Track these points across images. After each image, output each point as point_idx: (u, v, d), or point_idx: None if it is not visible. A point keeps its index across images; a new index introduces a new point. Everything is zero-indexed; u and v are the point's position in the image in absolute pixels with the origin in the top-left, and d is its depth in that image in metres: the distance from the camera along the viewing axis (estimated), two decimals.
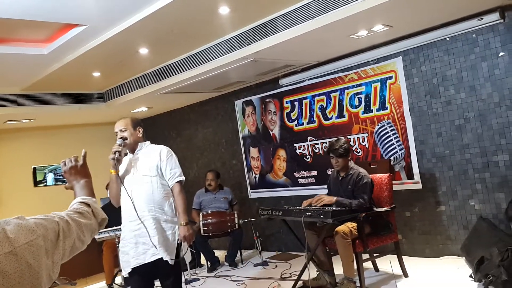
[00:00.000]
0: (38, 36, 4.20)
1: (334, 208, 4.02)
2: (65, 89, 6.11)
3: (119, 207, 3.44)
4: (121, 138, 3.36)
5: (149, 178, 3.33)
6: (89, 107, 6.48)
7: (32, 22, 3.64)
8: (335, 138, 4.54)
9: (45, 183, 1.81)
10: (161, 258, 3.22)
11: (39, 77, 5.15)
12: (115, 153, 3.27)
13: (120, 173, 3.35)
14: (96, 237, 5.43)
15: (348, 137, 5.31)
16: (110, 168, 3.32)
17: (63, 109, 6.23)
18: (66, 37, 4.11)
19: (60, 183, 1.80)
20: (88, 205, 1.60)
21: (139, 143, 3.44)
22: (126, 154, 3.44)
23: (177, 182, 3.39)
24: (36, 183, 1.82)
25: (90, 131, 7.78)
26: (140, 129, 3.47)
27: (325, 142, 5.56)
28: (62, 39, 4.17)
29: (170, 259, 3.25)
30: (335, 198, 4.21)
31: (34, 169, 1.81)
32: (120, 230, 5.09)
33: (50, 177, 1.80)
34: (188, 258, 5.93)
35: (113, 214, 5.42)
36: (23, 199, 6.71)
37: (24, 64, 4.62)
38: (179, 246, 3.36)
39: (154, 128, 8.13)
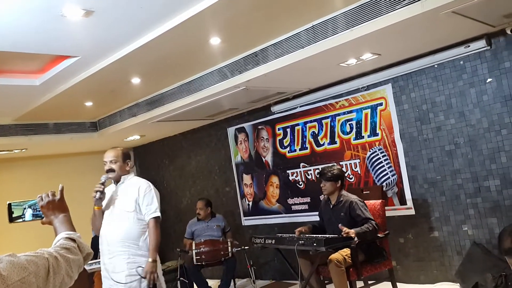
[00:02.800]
0: (31, 68, 4.23)
1: (326, 236, 4.01)
2: (57, 119, 6.11)
3: None
4: (108, 170, 3.38)
5: (127, 214, 3.34)
6: (81, 136, 6.48)
7: (24, 54, 3.66)
8: (330, 164, 4.58)
9: (23, 219, 1.79)
10: None
11: (31, 107, 5.16)
12: (96, 192, 3.30)
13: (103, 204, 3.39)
14: (87, 268, 5.35)
15: (341, 163, 5.33)
16: (94, 205, 3.37)
17: (55, 139, 6.22)
18: (59, 68, 4.13)
19: (39, 218, 1.77)
20: (73, 240, 1.59)
21: (122, 176, 3.44)
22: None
23: (152, 218, 3.36)
24: (12, 219, 1.79)
25: (83, 160, 7.75)
26: (129, 162, 3.49)
27: (318, 169, 5.56)
28: (54, 70, 4.19)
29: None
30: (354, 230, 3.98)
31: (9, 205, 1.78)
32: None
33: (28, 213, 1.78)
34: None
35: None
36: (12, 230, 6.62)
37: (16, 95, 4.63)
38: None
39: (146, 156, 8.12)
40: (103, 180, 3.35)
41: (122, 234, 3.28)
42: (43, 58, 4.00)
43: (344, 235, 3.93)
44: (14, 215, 1.78)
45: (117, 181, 3.42)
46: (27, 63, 4.09)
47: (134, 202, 3.35)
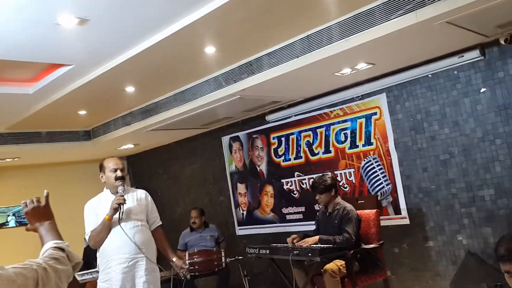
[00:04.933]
0: (24, 76, 4.20)
1: (322, 246, 3.99)
2: (50, 128, 6.07)
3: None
4: (121, 177, 3.43)
5: (139, 222, 3.43)
6: (75, 145, 6.44)
7: (18, 62, 3.64)
8: (320, 175, 4.57)
9: (7, 225, 1.74)
10: None
11: (24, 116, 5.12)
12: (119, 205, 3.31)
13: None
14: (79, 278, 5.30)
15: (335, 172, 5.32)
16: (106, 215, 3.34)
17: (48, 148, 6.18)
18: (52, 77, 4.11)
19: (24, 225, 1.73)
20: (62, 249, 1.56)
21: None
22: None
23: (159, 225, 3.62)
24: None
25: (76, 168, 7.71)
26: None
27: (312, 178, 5.54)
28: (48, 78, 4.17)
29: None
30: (318, 236, 4.19)
31: None
32: None
33: (12, 220, 1.73)
34: None
35: (95, 255, 5.31)
36: (4, 238, 6.55)
37: (9, 103, 4.60)
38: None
39: (140, 165, 8.07)
40: (122, 192, 3.37)
41: (140, 242, 3.35)
42: (37, 67, 3.98)
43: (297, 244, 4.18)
44: None
45: (116, 190, 3.42)
46: (21, 71, 4.07)
47: (144, 211, 3.51)
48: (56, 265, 1.45)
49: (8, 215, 1.72)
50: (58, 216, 6.14)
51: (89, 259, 5.79)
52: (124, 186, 3.42)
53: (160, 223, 3.64)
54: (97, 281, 3.47)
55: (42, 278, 1.36)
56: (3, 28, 2.99)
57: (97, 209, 3.40)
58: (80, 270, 5.37)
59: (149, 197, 3.62)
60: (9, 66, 3.79)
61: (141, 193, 3.59)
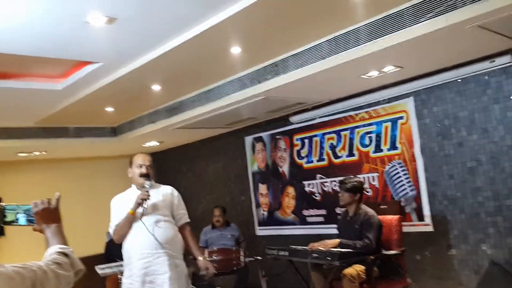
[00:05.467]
0: (53, 72, 4.28)
1: (341, 250, 3.95)
2: (77, 123, 6.18)
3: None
4: (146, 174, 3.44)
5: (163, 217, 3.41)
6: (101, 141, 6.54)
7: (47, 58, 3.71)
8: (351, 176, 4.55)
9: (16, 223, 1.75)
10: None
11: (53, 111, 5.23)
12: (143, 200, 3.32)
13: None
14: (99, 271, 5.37)
15: (358, 176, 5.24)
16: (130, 209, 3.36)
17: (75, 143, 6.30)
18: (81, 74, 4.17)
19: (33, 224, 1.72)
20: (66, 255, 1.56)
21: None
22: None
23: (187, 222, 3.57)
24: (5, 223, 1.74)
25: (101, 164, 7.84)
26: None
27: (335, 181, 5.51)
28: (76, 75, 4.24)
29: None
30: (339, 240, 4.15)
31: (3, 208, 1.71)
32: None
33: (22, 218, 1.73)
34: None
35: (117, 249, 5.37)
36: (28, 231, 6.69)
37: (38, 98, 4.69)
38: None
39: (164, 163, 8.15)
40: (148, 187, 3.38)
41: (161, 237, 3.32)
42: (66, 63, 4.05)
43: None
44: (7, 219, 1.73)
45: (142, 186, 3.44)
46: (50, 68, 4.15)
47: (170, 207, 3.49)
48: (58, 270, 1.46)
49: (18, 213, 1.72)
50: (82, 209, 6.35)
51: (111, 253, 5.88)
52: (150, 181, 3.42)
53: (187, 220, 3.58)
54: (122, 277, 3.50)
55: (40, 280, 1.37)
56: (34, 25, 3.05)
57: (123, 204, 3.43)
58: (102, 264, 5.47)
59: (176, 193, 3.58)
60: (39, 62, 3.87)
61: (167, 189, 3.57)
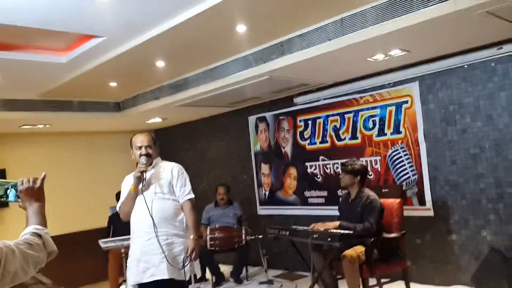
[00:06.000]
0: (58, 45, 4.25)
1: (342, 231, 3.97)
2: (81, 97, 6.17)
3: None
4: (145, 155, 3.38)
5: (162, 195, 3.37)
6: (104, 116, 6.54)
7: (52, 31, 3.68)
8: (355, 159, 4.56)
9: (5, 199, 1.77)
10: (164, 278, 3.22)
11: (57, 84, 5.21)
12: (141, 172, 3.30)
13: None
14: (102, 245, 5.44)
15: (361, 159, 5.25)
16: (131, 185, 3.36)
17: (79, 116, 6.29)
18: (85, 47, 4.14)
19: (20, 201, 1.75)
20: (40, 236, 1.59)
21: (153, 160, 3.48)
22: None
23: (187, 200, 3.44)
24: None
25: (104, 139, 7.85)
26: (157, 146, 3.53)
27: (337, 163, 5.52)
28: (81, 48, 4.21)
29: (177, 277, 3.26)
30: (339, 222, 4.18)
31: None
32: (126, 240, 5.11)
33: (12, 193, 1.76)
34: (198, 273, 5.90)
35: (120, 224, 5.43)
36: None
37: (42, 71, 4.68)
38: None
39: (167, 139, 8.16)
40: (144, 162, 3.35)
41: (159, 216, 3.28)
42: (70, 37, 4.02)
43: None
44: None
45: (149, 165, 3.43)
46: (55, 41, 4.12)
47: (168, 185, 3.40)
48: (27, 250, 1.49)
49: (7, 188, 1.75)
50: (85, 183, 6.42)
51: (113, 227, 5.95)
52: (146, 157, 3.37)
53: (188, 197, 3.43)
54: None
55: (5, 258, 1.40)
56: None
57: (129, 182, 3.43)
58: (104, 238, 5.53)
59: (177, 170, 3.47)
60: (43, 35, 3.84)
61: (169, 166, 3.50)
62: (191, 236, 3.36)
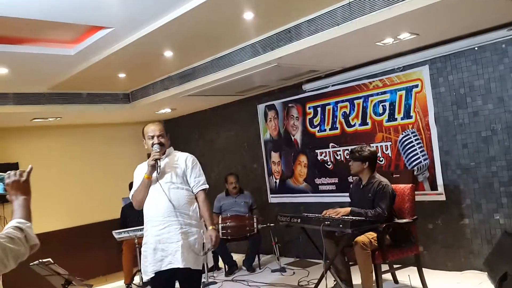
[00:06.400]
0: (66, 37, 4.26)
1: (353, 218, 3.97)
2: (91, 89, 6.20)
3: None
4: (158, 143, 3.39)
5: (176, 185, 3.38)
6: (114, 107, 6.56)
7: (60, 23, 3.69)
8: (364, 145, 4.53)
9: None
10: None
11: (66, 77, 5.24)
12: (155, 160, 3.32)
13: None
14: (116, 236, 5.50)
15: (371, 145, 5.22)
16: (145, 173, 3.36)
17: (89, 109, 6.33)
18: (93, 39, 4.15)
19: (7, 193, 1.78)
20: (22, 230, 1.61)
21: (166, 149, 3.50)
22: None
23: (201, 190, 3.46)
24: None
25: (115, 130, 7.90)
26: (168, 135, 3.54)
27: (347, 149, 5.50)
28: (89, 40, 4.22)
29: (193, 266, 3.29)
30: (350, 208, 4.17)
31: None
32: (140, 230, 5.16)
33: (1, 186, 1.79)
34: (210, 262, 5.95)
35: (133, 214, 5.47)
36: (45, 195, 6.83)
37: (51, 64, 4.70)
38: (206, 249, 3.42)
39: (177, 130, 8.18)
40: (158, 150, 3.36)
41: (174, 204, 3.30)
42: (78, 28, 4.02)
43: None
44: None
45: (162, 154, 3.44)
46: (63, 33, 4.13)
47: (182, 174, 3.41)
48: (7, 244, 1.52)
49: None
50: (96, 175, 6.48)
51: (126, 218, 6.00)
52: (159, 145, 3.38)
53: (203, 187, 3.45)
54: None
55: None
56: None
57: (142, 171, 3.44)
58: (117, 229, 5.58)
59: (191, 160, 3.48)
60: (51, 27, 3.85)
61: (182, 156, 3.51)
62: (210, 226, 3.40)
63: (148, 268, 3.30)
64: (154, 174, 3.36)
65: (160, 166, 3.34)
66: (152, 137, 3.43)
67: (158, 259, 3.28)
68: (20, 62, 4.52)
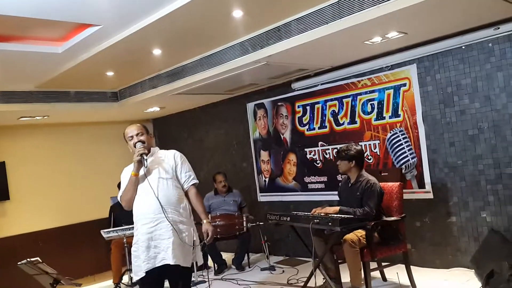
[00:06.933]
0: (53, 35, 4.23)
1: (342, 216, 3.99)
2: (79, 87, 6.16)
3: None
4: (139, 141, 3.36)
5: (165, 181, 3.35)
6: (102, 106, 6.52)
7: (47, 21, 3.66)
8: (351, 143, 4.55)
9: None
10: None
11: (53, 75, 5.19)
12: (141, 155, 3.28)
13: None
14: (104, 235, 5.46)
15: (360, 143, 5.25)
16: (132, 171, 3.33)
17: (77, 107, 6.28)
18: (81, 37, 4.12)
19: None
20: None
21: (151, 148, 3.47)
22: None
23: (192, 184, 3.46)
24: None
25: (103, 129, 7.84)
26: (151, 135, 3.54)
27: (336, 148, 5.52)
28: (76, 38, 4.19)
29: (183, 264, 3.28)
30: (339, 207, 4.19)
31: None
32: (129, 230, 5.13)
33: None
34: (200, 261, 5.92)
35: (121, 213, 5.44)
36: (33, 195, 6.78)
37: (39, 62, 4.66)
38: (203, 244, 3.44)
39: (165, 128, 8.16)
40: (141, 145, 3.33)
41: (164, 201, 3.27)
42: (66, 26, 3.99)
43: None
44: None
45: (147, 152, 3.42)
46: (50, 31, 4.09)
47: (171, 170, 3.40)
48: None
49: None
50: (84, 174, 6.43)
51: (114, 217, 5.97)
52: (141, 142, 3.35)
53: (193, 182, 3.45)
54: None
55: None
56: None
57: (128, 173, 3.42)
58: (106, 228, 5.55)
59: (179, 156, 3.48)
60: (38, 25, 3.82)
61: (169, 153, 3.50)
62: (204, 220, 3.42)
63: (142, 267, 3.27)
64: (141, 172, 3.34)
65: (147, 160, 3.30)
66: (132, 137, 3.41)
67: (151, 256, 3.25)
68: (7, 60, 4.47)
